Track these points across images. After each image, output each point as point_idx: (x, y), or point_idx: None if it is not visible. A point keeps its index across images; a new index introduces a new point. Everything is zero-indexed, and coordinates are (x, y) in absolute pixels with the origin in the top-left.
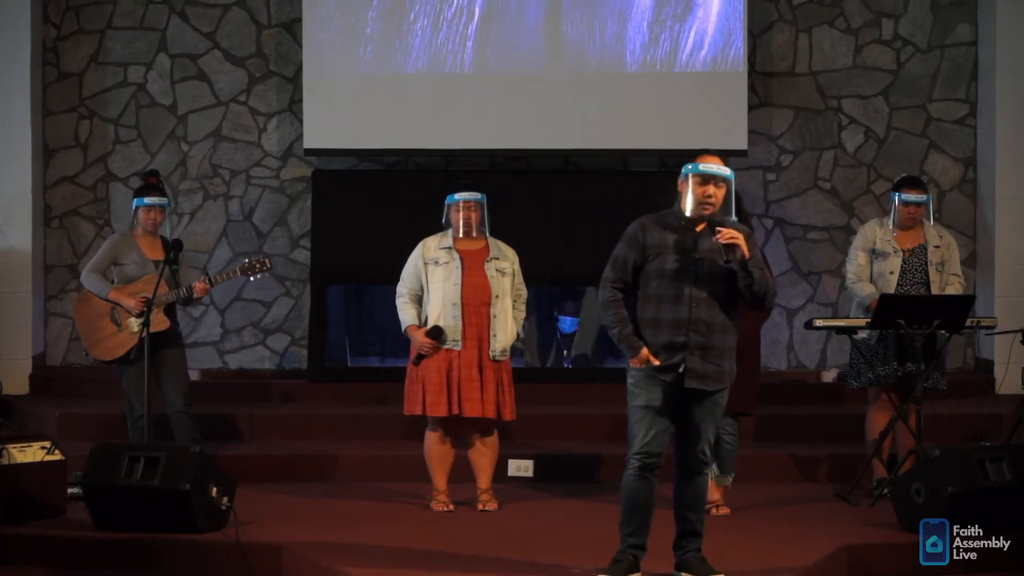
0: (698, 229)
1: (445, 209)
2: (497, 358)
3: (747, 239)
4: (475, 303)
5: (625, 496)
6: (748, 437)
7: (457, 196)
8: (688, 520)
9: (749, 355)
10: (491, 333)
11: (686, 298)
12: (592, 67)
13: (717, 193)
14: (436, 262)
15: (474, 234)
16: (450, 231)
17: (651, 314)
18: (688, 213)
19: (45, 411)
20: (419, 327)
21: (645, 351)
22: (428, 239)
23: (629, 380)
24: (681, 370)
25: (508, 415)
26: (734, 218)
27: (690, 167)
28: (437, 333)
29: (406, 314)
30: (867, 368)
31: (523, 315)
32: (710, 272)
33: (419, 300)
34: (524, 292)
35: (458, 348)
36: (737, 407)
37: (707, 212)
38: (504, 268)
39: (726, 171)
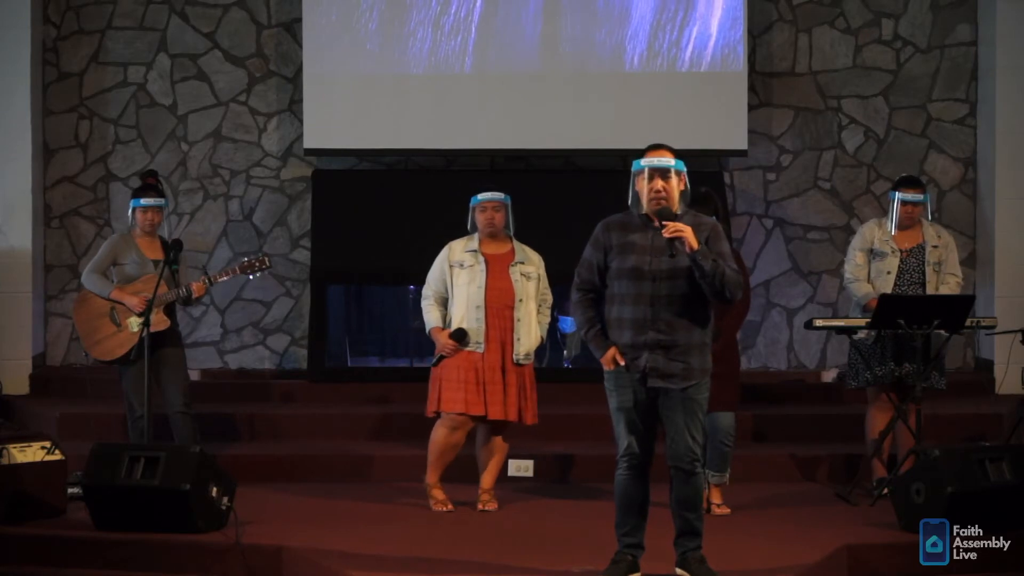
0: (658, 226)
1: (470, 212)
2: (521, 362)
3: (699, 230)
4: (498, 306)
5: (617, 496)
6: (748, 437)
7: (480, 197)
8: (686, 519)
9: (729, 354)
10: (515, 337)
11: (647, 296)
12: (592, 67)
13: (666, 186)
14: (461, 265)
15: (499, 235)
16: (476, 235)
17: (615, 314)
18: (644, 209)
19: (45, 411)
20: (443, 329)
21: (612, 351)
22: (454, 242)
23: (605, 383)
24: (645, 369)
25: (530, 419)
26: (681, 208)
27: (635, 164)
28: (460, 335)
29: (430, 316)
30: (865, 368)
31: (547, 320)
32: (671, 269)
33: (444, 303)
34: (549, 298)
35: (481, 351)
36: (723, 406)
37: (659, 207)
38: (529, 272)
39: (670, 162)
